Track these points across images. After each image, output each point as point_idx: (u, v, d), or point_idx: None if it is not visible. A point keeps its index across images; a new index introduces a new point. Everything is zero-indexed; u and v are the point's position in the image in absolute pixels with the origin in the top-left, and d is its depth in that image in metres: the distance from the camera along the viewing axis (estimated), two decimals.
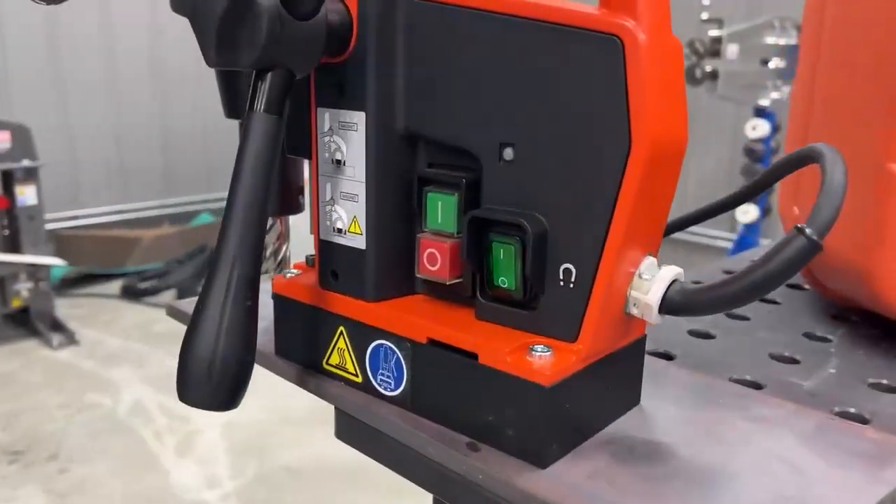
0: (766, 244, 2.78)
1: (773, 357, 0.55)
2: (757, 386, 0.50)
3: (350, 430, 0.46)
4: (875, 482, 0.38)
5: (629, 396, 0.44)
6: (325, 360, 0.47)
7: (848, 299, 0.62)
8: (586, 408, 0.41)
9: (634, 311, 0.40)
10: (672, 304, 0.39)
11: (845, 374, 0.53)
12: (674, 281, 0.39)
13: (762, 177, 0.48)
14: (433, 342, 0.42)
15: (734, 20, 2.44)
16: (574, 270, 0.39)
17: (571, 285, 0.39)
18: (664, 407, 0.45)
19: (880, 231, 0.53)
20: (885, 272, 0.53)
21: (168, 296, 3.58)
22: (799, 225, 0.35)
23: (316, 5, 0.38)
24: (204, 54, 0.38)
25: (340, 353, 0.46)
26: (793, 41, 2.42)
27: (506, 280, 0.41)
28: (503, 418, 0.39)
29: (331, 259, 0.46)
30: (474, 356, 0.40)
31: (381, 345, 0.44)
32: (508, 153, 0.40)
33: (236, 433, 2.37)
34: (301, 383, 0.48)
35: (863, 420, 0.46)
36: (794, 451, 0.40)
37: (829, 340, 0.59)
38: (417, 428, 0.42)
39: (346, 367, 0.46)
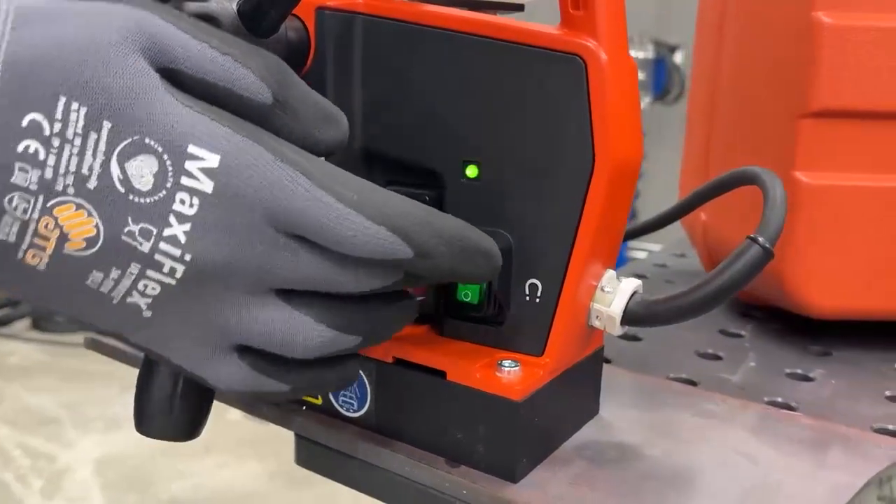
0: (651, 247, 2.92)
1: (699, 354, 0.59)
2: (692, 383, 0.53)
3: (313, 455, 0.45)
4: (821, 466, 0.41)
5: (590, 406, 0.46)
6: None
7: (754, 297, 0.67)
8: (553, 420, 0.42)
9: (597, 324, 0.41)
10: (634, 316, 0.40)
11: (764, 366, 0.57)
12: (634, 293, 0.41)
13: (694, 196, 0.50)
14: (399, 361, 0.42)
15: None
16: (540, 285, 0.40)
17: (538, 300, 0.40)
18: (620, 410, 0.47)
19: (789, 234, 0.57)
20: (792, 271, 0.58)
21: (21, 325, 3.32)
22: (751, 235, 0.38)
23: (276, 23, 0.37)
24: None
25: None
26: (651, 55, 2.58)
27: (471, 296, 0.41)
28: (473, 435, 0.39)
29: None
30: (442, 374, 0.40)
31: None
32: (472, 171, 0.40)
33: (112, 468, 2.22)
34: (254, 412, 0.46)
35: (790, 408, 0.50)
36: (746, 442, 0.43)
37: (742, 336, 0.63)
38: (392, 449, 0.41)
39: None
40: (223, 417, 2.65)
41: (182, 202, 0.28)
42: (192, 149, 0.28)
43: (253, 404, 0.46)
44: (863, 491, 0.30)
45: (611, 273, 0.42)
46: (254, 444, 2.27)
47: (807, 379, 0.55)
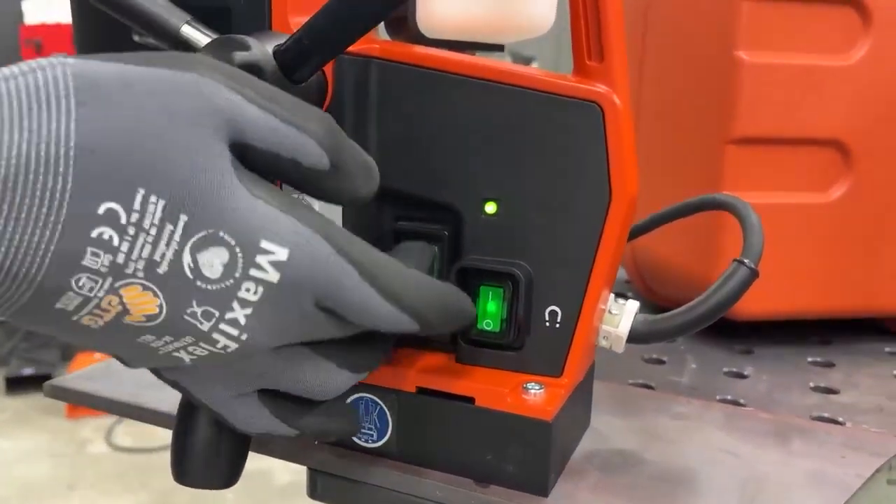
0: None
1: (645, 360, 0.65)
2: (650, 387, 0.59)
3: (332, 489, 0.45)
4: (791, 455, 0.47)
5: (587, 418, 0.50)
6: None
7: (679, 304, 0.74)
8: (569, 435, 0.45)
9: (604, 343, 0.45)
10: (638, 334, 0.45)
11: (704, 367, 0.63)
12: (636, 313, 0.45)
13: (657, 217, 0.56)
14: (423, 390, 0.43)
15: (543, 58, 2.66)
16: (560, 312, 0.43)
17: (557, 325, 0.43)
18: (606, 418, 0.51)
19: (717, 246, 0.64)
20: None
21: None
22: (738, 258, 0.44)
23: (313, 70, 0.38)
24: None
25: None
26: None
27: (491, 323, 0.43)
28: (504, 456, 0.42)
29: None
30: (470, 400, 0.42)
31: (361, 398, 0.44)
32: (491, 207, 0.43)
33: None
34: (262, 450, 0.46)
35: (739, 404, 0.56)
36: (724, 439, 0.49)
37: (675, 340, 0.70)
38: (418, 475, 0.43)
39: None
40: (84, 451, 2.47)
41: (247, 290, 0.29)
42: (264, 244, 0.29)
43: (263, 442, 0.46)
44: (873, 477, 0.35)
45: (612, 296, 0.46)
46: (121, 478, 2.13)
47: (742, 376, 0.62)
